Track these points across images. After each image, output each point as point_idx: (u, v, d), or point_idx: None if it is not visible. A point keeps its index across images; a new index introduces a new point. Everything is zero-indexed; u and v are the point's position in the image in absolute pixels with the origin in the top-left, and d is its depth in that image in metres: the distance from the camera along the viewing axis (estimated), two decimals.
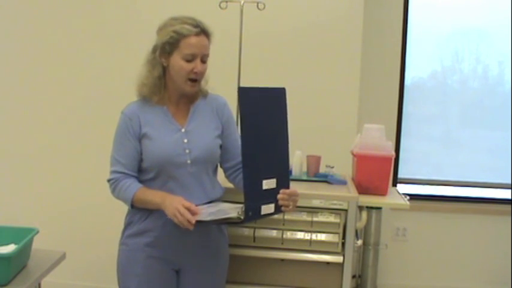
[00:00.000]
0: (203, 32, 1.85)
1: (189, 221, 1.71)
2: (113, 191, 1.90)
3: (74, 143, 3.26)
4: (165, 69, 1.89)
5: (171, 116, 1.92)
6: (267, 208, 1.74)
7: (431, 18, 3.44)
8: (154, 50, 1.87)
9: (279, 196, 1.76)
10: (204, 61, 1.87)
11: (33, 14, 3.24)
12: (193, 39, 1.83)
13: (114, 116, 1.95)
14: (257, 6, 2.61)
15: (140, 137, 1.88)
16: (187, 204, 1.74)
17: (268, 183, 1.73)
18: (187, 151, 1.88)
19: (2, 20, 3.27)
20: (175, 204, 1.74)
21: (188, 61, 1.83)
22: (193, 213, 1.73)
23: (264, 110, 1.74)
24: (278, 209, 1.77)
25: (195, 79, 1.86)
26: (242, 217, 1.70)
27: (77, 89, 3.24)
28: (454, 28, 3.49)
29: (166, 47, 1.84)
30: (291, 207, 1.79)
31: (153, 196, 1.84)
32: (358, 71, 3.08)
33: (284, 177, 1.79)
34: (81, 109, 3.24)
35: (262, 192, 1.71)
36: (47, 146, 3.28)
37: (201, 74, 1.87)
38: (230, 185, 2.06)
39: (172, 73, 1.87)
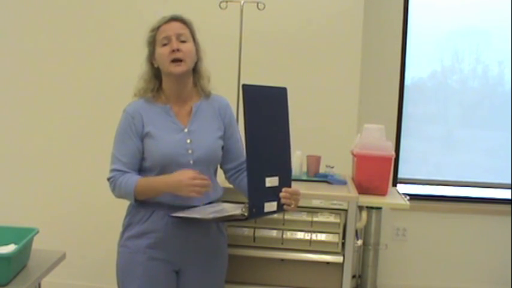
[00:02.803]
0: (173, 18, 1.89)
1: (206, 184, 1.78)
2: (113, 189, 1.89)
3: (74, 143, 3.26)
4: (158, 71, 1.91)
5: (174, 115, 1.92)
6: (270, 206, 1.75)
7: (431, 18, 3.44)
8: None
9: (281, 194, 1.77)
10: (183, 41, 1.87)
11: (33, 14, 3.24)
12: (164, 26, 1.88)
13: (115, 115, 1.95)
14: (257, 6, 2.61)
15: (143, 136, 1.88)
16: (197, 175, 1.78)
17: (271, 181, 1.74)
18: (190, 151, 1.88)
19: (2, 20, 3.27)
20: (186, 181, 1.76)
21: (165, 45, 1.86)
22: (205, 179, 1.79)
23: (266, 108, 1.76)
24: (280, 208, 1.78)
25: (177, 59, 1.85)
26: (246, 214, 1.71)
27: (77, 89, 3.24)
28: (454, 28, 3.49)
29: (150, 48, 1.91)
30: (292, 206, 1.80)
31: (156, 183, 1.84)
32: (358, 71, 3.08)
33: (286, 176, 1.81)
34: (81, 109, 3.24)
35: (265, 189, 1.73)
36: (47, 146, 3.28)
37: (183, 52, 1.86)
38: (229, 186, 2.06)
39: (160, 66, 1.89)
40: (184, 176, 1.78)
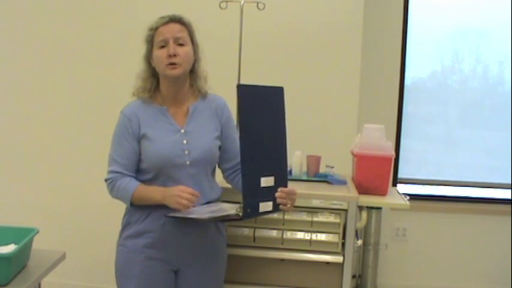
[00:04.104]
0: (172, 20, 1.88)
1: (194, 197, 1.76)
2: (111, 190, 1.90)
3: (74, 143, 3.26)
4: (155, 70, 1.91)
5: (170, 116, 1.92)
6: (265, 206, 1.75)
7: (431, 18, 3.44)
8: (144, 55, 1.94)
9: (277, 194, 1.77)
10: (180, 44, 1.86)
11: (32, 15, 3.24)
12: (162, 28, 1.87)
13: (114, 116, 1.95)
14: (257, 6, 2.61)
15: (139, 138, 1.88)
16: (189, 190, 1.78)
17: (267, 181, 1.75)
18: (186, 152, 1.88)
19: (2, 20, 3.27)
20: (175, 192, 1.76)
21: (162, 47, 1.86)
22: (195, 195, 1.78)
23: (262, 108, 1.76)
24: (276, 208, 1.78)
25: (173, 63, 1.85)
26: (241, 214, 1.71)
27: (76, 89, 3.24)
28: (454, 28, 3.49)
29: (148, 47, 1.90)
30: (288, 206, 1.80)
31: (153, 192, 1.85)
32: (358, 71, 3.08)
33: (282, 176, 1.81)
34: (80, 109, 3.24)
35: (260, 189, 1.73)
36: (46, 146, 3.29)
37: (180, 56, 1.85)
38: (228, 186, 2.06)
39: (156, 67, 1.89)
40: (175, 188, 1.80)
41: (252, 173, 1.72)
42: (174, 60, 1.84)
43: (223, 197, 2.04)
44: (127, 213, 1.95)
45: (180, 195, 1.76)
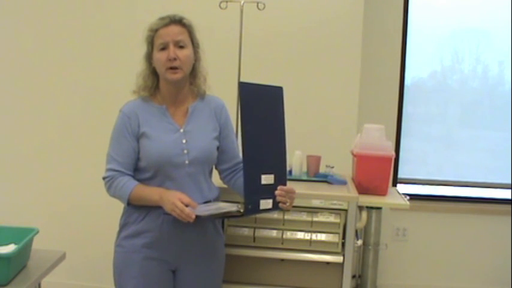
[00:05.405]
0: (172, 21, 1.87)
1: (188, 215, 1.72)
2: (108, 188, 1.90)
3: (74, 143, 3.26)
4: (155, 69, 1.91)
5: (169, 115, 1.92)
6: (265, 203, 1.77)
7: (431, 18, 3.44)
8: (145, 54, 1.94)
9: (276, 192, 1.79)
10: (181, 46, 1.86)
11: (32, 14, 3.25)
12: (162, 30, 1.86)
13: (113, 115, 1.95)
14: (257, 6, 2.61)
15: (138, 136, 1.89)
16: (187, 200, 1.76)
17: (267, 179, 1.77)
18: (185, 151, 1.88)
19: (2, 20, 3.27)
20: (173, 199, 1.75)
21: (162, 50, 1.85)
22: (192, 206, 1.76)
23: (263, 106, 1.79)
24: (276, 206, 1.80)
25: (174, 67, 1.85)
26: (242, 210, 1.72)
27: (75, 88, 3.24)
28: (454, 28, 3.49)
29: (149, 47, 1.90)
30: (288, 204, 1.82)
31: (151, 193, 1.84)
32: (358, 71, 3.08)
33: (282, 175, 1.83)
34: (79, 109, 3.24)
35: (260, 186, 1.76)
36: (46, 146, 3.29)
37: (180, 60, 1.85)
38: (225, 186, 2.07)
39: (157, 69, 1.90)
40: (174, 194, 1.78)
41: (253, 169, 1.74)
42: (174, 64, 1.84)
43: (221, 197, 2.04)
44: (125, 213, 1.95)
45: (177, 205, 1.74)
